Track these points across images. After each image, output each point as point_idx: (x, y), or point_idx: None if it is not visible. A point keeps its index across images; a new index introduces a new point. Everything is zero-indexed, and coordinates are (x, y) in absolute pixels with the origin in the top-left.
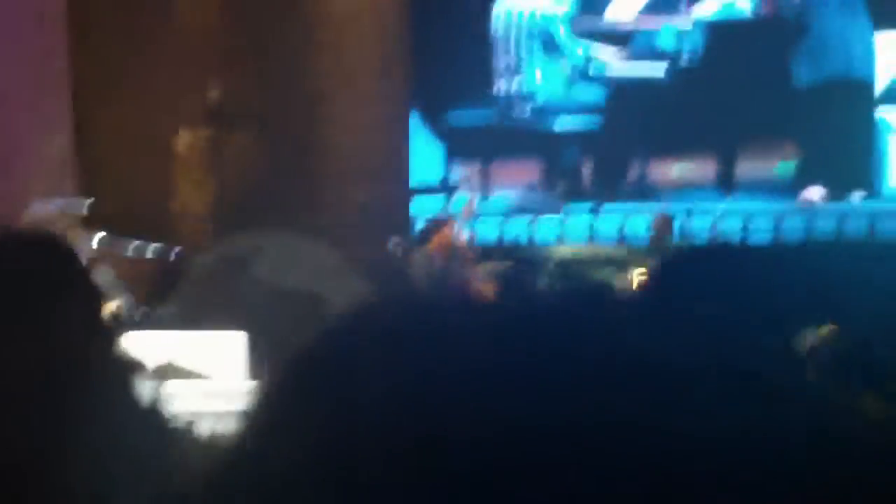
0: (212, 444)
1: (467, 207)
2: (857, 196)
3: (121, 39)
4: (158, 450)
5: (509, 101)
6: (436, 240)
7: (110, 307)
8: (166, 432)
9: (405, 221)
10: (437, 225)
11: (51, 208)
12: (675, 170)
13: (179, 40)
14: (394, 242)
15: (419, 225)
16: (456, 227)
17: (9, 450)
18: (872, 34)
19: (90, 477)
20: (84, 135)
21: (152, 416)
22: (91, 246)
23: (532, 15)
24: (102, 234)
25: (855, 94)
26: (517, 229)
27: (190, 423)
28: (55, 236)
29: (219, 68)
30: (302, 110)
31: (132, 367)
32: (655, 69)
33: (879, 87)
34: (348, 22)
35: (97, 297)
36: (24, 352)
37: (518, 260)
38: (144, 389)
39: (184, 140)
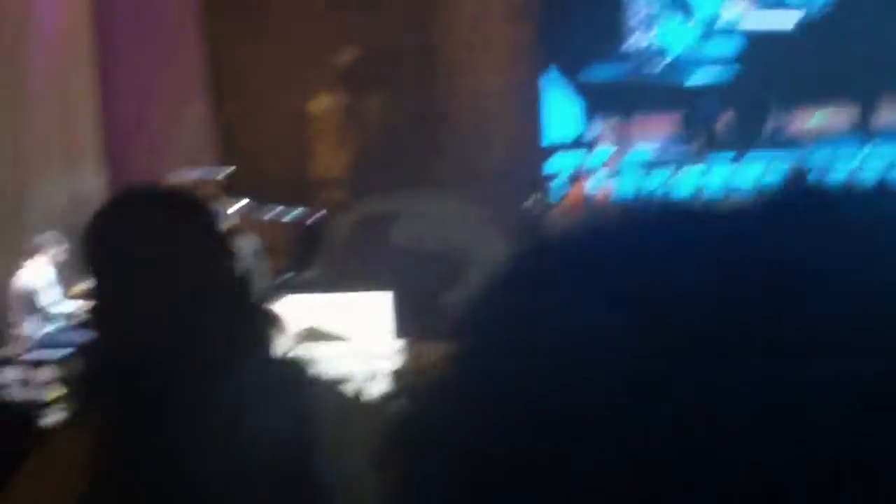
0: (376, 405)
1: (608, 162)
2: None
3: (255, 5)
4: (309, 412)
5: (643, 56)
6: (571, 196)
7: (254, 270)
8: (318, 394)
9: (541, 179)
10: (572, 181)
11: (192, 176)
12: (812, 118)
13: (313, 5)
14: (532, 200)
15: (555, 182)
16: (593, 182)
17: (161, 408)
18: None
19: (240, 439)
20: (221, 102)
21: (300, 376)
22: (232, 213)
23: None
24: (243, 200)
25: None
26: (656, 182)
27: (346, 386)
28: (199, 198)
29: (351, 31)
30: (435, 70)
31: (278, 329)
32: (788, 18)
33: None
34: None
35: (239, 259)
36: (172, 311)
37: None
38: (290, 350)
39: (320, 104)
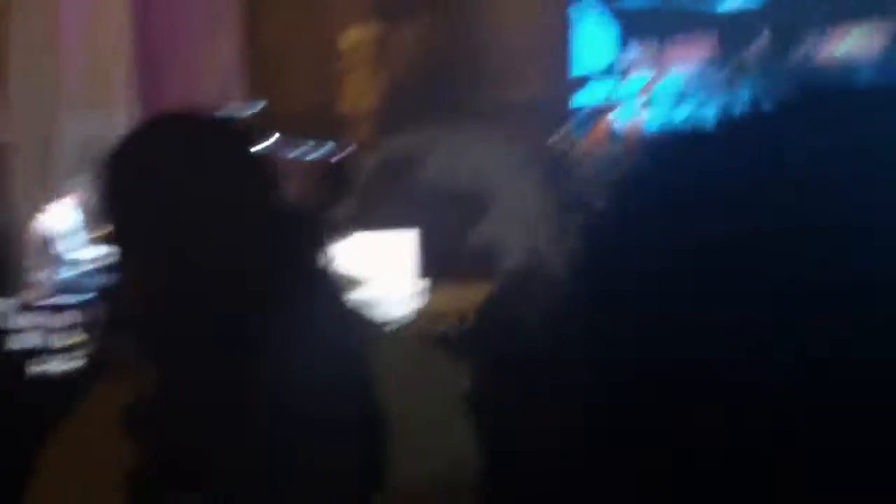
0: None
1: (643, 90)
2: None
3: None
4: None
5: None
6: (596, 131)
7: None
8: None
9: (569, 111)
10: (596, 114)
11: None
12: (849, 37)
13: None
14: (559, 134)
15: (583, 114)
16: (624, 112)
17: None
18: None
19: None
20: (253, 36)
21: (363, 320)
22: (263, 148)
23: None
24: (274, 135)
25: None
26: (691, 112)
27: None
28: (236, 125)
29: None
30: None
31: (335, 271)
32: None
33: None
34: None
35: (277, 187)
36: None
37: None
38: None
39: (352, 37)
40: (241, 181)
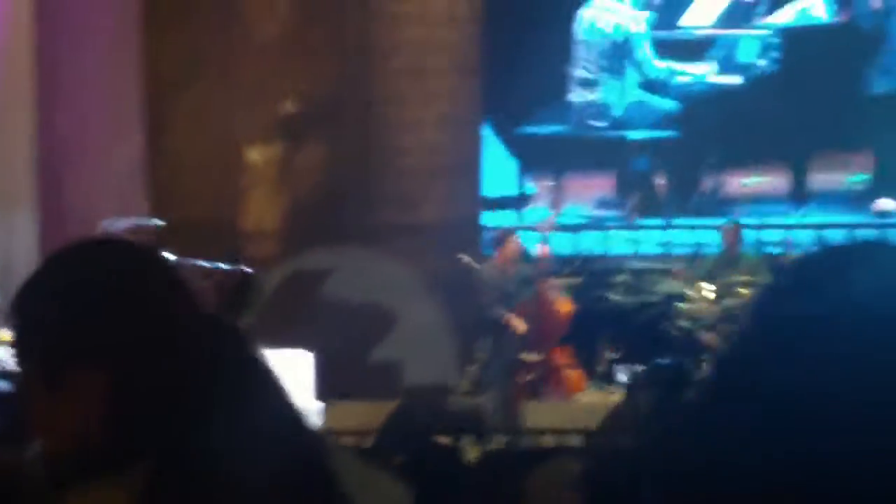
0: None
1: (546, 221)
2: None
3: (195, 49)
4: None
5: (585, 112)
6: (503, 252)
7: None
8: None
9: (477, 233)
10: (504, 236)
11: (122, 227)
12: (747, 181)
13: (250, 54)
14: (466, 255)
15: (490, 236)
16: (528, 238)
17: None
18: None
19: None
20: (156, 148)
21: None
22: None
23: (612, 27)
24: (172, 254)
25: None
26: (590, 242)
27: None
28: (144, 246)
29: (291, 81)
30: (373, 123)
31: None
32: (730, 80)
33: None
34: (422, 27)
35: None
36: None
37: (590, 273)
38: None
39: (257, 154)
40: (154, 300)
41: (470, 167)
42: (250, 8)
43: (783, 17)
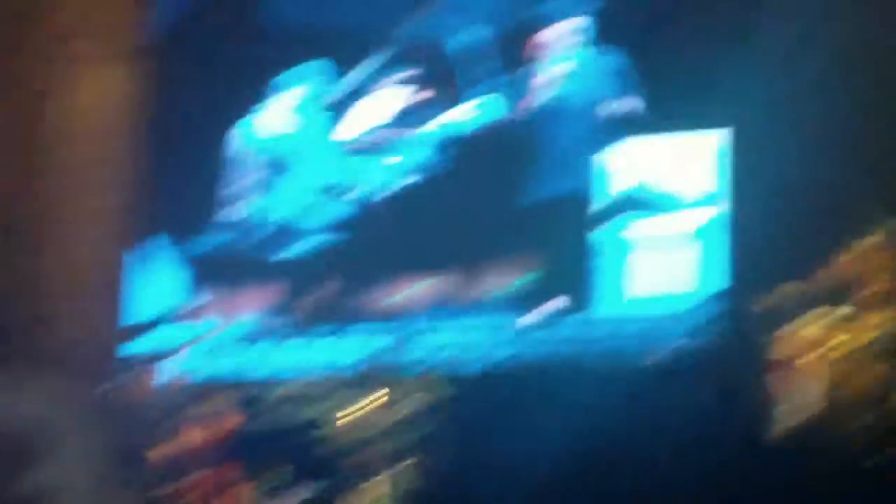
0: None
1: (198, 338)
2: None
3: None
4: None
5: (244, 225)
6: (141, 380)
7: None
8: None
9: (117, 360)
10: (147, 362)
11: None
12: (413, 287)
13: None
14: (107, 382)
15: (131, 363)
16: (176, 361)
17: None
18: (607, 147)
19: None
20: None
21: None
22: None
23: (268, 136)
24: None
25: (578, 209)
26: (251, 358)
27: None
28: None
29: None
30: (21, 245)
31: None
32: (407, 181)
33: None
34: (74, 142)
35: None
36: None
37: (244, 390)
38: None
39: None
40: None
41: (112, 288)
42: None
43: (463, 113)
